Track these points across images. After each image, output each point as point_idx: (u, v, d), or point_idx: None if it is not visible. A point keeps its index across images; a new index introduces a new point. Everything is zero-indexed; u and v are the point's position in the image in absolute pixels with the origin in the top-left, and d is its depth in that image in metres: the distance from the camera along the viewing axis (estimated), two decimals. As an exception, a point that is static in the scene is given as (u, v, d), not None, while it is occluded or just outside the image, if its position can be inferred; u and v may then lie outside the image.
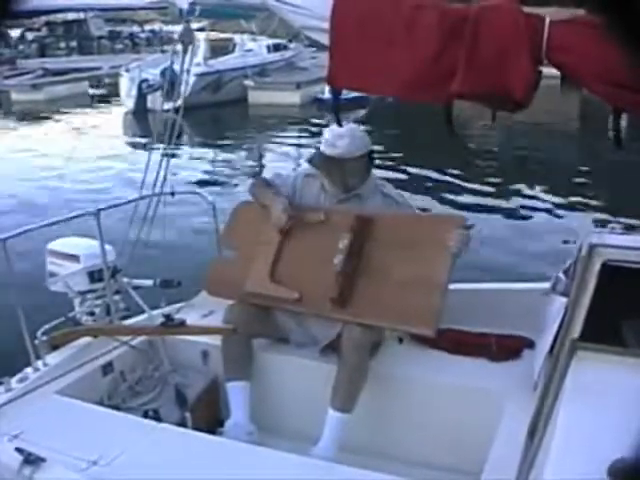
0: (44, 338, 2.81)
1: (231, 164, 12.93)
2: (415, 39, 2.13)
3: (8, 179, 10.90)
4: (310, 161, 3.04)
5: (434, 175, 10.80)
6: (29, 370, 2.75)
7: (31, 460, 2.17)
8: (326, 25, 2.23)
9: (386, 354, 2.95)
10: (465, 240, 2.65)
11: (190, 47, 3.03)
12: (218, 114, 17.76)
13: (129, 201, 3.22)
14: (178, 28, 3.18)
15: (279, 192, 3.07)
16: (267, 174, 3.36)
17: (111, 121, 18.31)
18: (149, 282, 3.29)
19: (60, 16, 32.73)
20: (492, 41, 2.07)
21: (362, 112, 14.47)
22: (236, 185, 10.28)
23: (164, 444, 2.37)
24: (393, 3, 2.20)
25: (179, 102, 3.34)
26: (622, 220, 6.55)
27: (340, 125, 2.63)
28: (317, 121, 15.22)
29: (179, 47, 3.07)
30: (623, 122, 2.13)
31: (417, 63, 2.14)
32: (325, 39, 2.26)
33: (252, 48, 21.07)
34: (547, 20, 2.04)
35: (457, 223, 2.73)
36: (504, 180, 10.66)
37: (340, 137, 2.90)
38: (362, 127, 3.14)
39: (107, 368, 2.95)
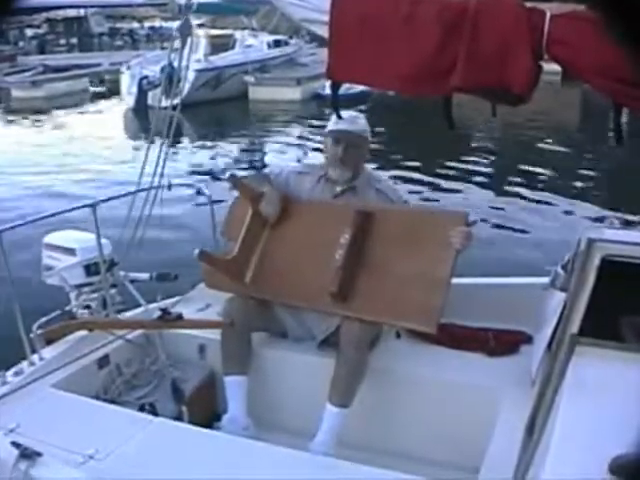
0: (40, 332, 2.80)
1: (232, 160, 12.91)
2: (415, 33, 2.12)
3: (7, 175, 10.90)
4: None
5: (435, 170, 10.79)
6: (25, 364, 2.73)
7: (27, 454, 2.15)
8: (326, 18, 2.22)
9: (384, 349, 2.93)
10: (468, 237, 2.63)
11: (188, 40, 3.01)
12: (218, 110, 17.75)
13: (126, 194, 3.19)
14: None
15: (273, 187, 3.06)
16: (266, 171, 3.33)
17: (112, 118, 18.28)
18: (146, 275, 3.27)
19: (60, 13, 32.76)
20: (492, 35, 2.05)
21: (363, 108, 14.44)
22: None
23: (160, 438, 2.36)
24: (393, -4, 2.18)
25: (178, 98, 3.32)
26: (621, 215, 6.55)
27: (339, 117, 2.62)
28: (317, 117, 15.20)
29: (177, 43, 3.04)
30: (624, 118, 2.12)
31: (417, 57, 2.13)
32: (325, 32, 2.25)
33: (252, 44, 21.06)
34: (548, 14, 2.03)
35: (460, 219, 2.70)
36: (504, 175, 10.67)
37: (347, 115, 2.92)
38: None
39: (103, 362, 2.93)
